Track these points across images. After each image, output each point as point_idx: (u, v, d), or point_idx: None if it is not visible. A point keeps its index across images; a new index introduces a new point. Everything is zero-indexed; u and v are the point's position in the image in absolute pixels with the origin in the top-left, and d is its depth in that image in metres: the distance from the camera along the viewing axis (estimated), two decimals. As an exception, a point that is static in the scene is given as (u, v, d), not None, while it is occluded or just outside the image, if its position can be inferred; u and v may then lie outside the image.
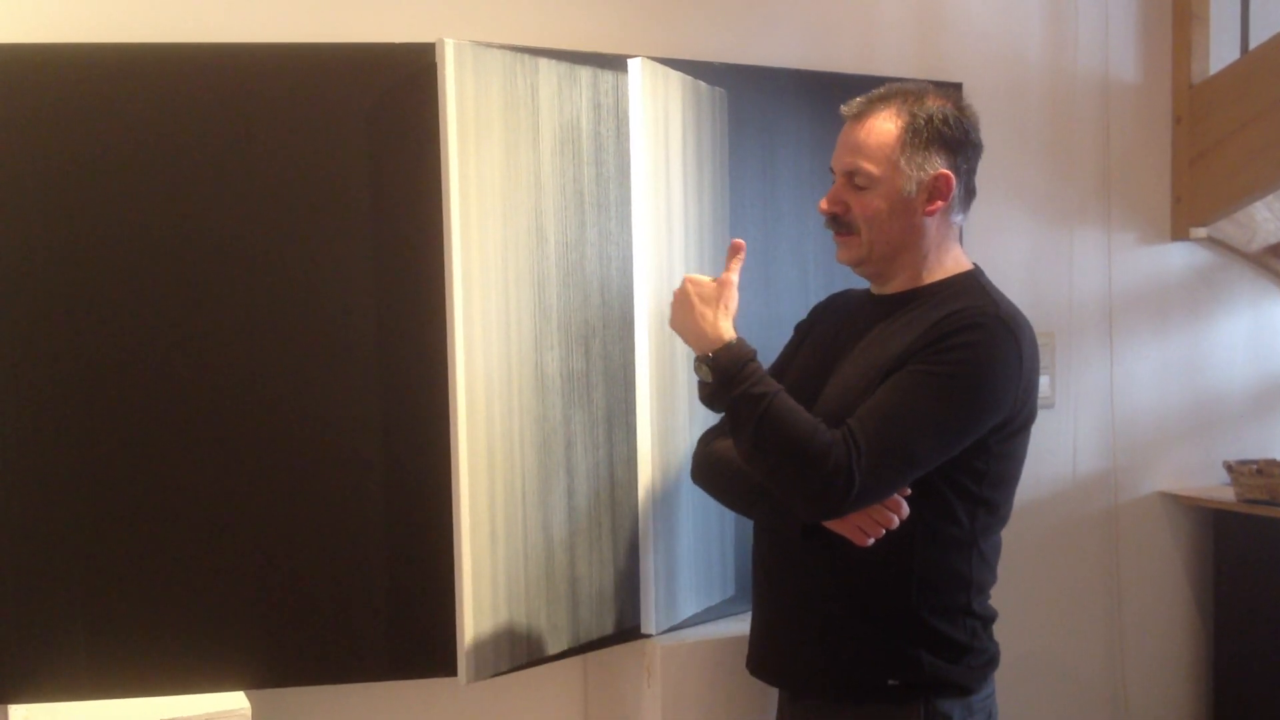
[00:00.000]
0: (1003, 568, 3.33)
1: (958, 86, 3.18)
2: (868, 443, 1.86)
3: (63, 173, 2.28)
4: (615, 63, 2.51)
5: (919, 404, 1.88)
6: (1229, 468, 3.52)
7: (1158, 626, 3.64)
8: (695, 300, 2.05)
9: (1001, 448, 1.98)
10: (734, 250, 2.10)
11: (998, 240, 3.35)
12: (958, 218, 2.07)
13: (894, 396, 1.90)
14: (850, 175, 2.02)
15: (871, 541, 1.93)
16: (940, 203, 2.01)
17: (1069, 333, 3.47)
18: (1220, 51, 3.55)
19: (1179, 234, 3.58)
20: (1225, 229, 3.57)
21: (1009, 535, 3.33)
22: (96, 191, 2.30)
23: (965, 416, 1.90)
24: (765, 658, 2.15)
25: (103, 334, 2.31)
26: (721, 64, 2.74)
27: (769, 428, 1.89)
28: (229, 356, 2.35)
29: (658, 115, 2.55)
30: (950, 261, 2.06)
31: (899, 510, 1.93)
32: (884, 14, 3.20)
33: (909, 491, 1.94)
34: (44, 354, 2.29)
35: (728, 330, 2.01)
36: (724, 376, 1.96)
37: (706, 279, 2.08)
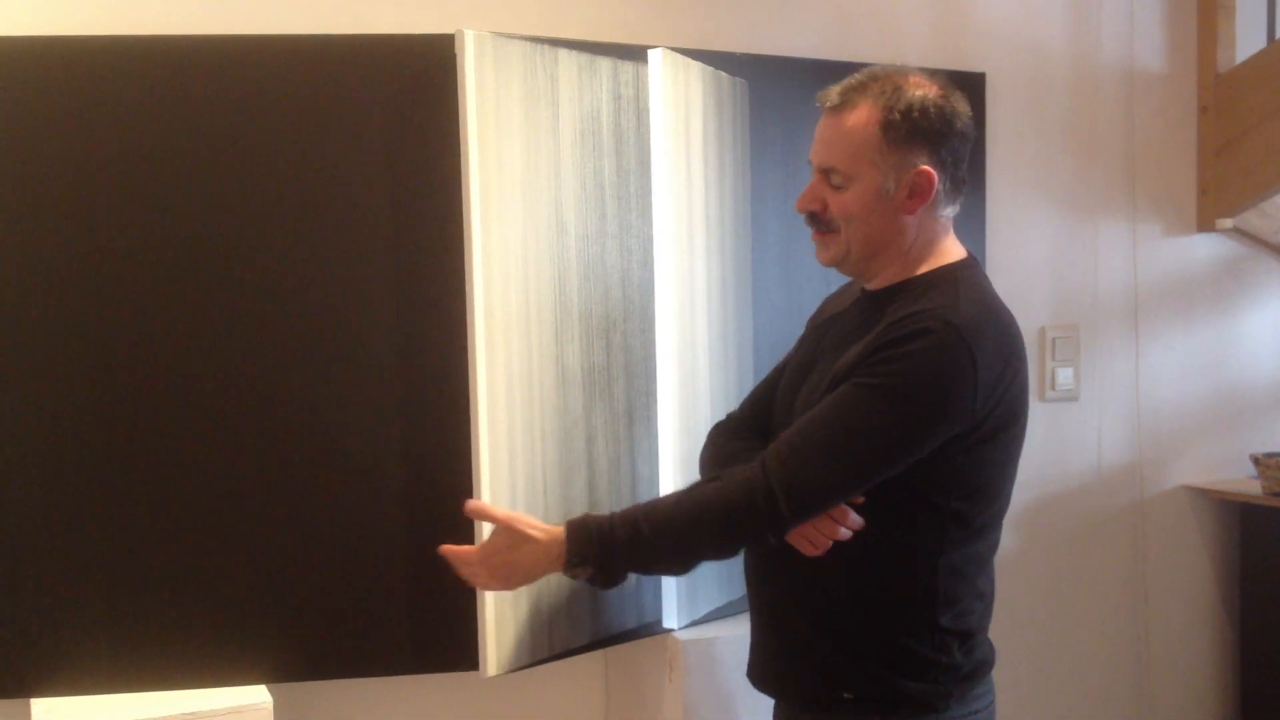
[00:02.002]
0: (1026, 561, 3.37)
1: (981, 76, 3.17)
2: (793, 458, 1.81)
3: (77, 167, 2.28)
4: (635, 53, 2.50)
5: (850, 418, 1.80)
6: (1255, 460, 3.49)
7: (1183, 620, 3.61)
8: (505, 556, 1.90)
9: (966, 458, 1.83)
10: (475, 512, 2.01)
11: (1022, 232, 3.33)
12: (946, 211, 1.92)
13: (826, 412, 1.82)
14: (826, 173, 1.91)
15: (821, 552, 1.87)
16: (922, 201, 1.87)
17: (1094, 325, 3.45)
18: (1247, 40, 3.51)
19: (1205, 225, 3.54)
20: (1252, 220, 3.54)
21: (1032, 529, 3.37)
22: (113, 186, 2.30)
23: (902, 428, 1.79)
24: (753, 665, 2.12)
25: (122, 327, 2.31)
26: (742, 54, 2.73)
27: (665, 534, 1.85)
28: (247, 351, 2.35)
29: (678, 106, 2.53)
30: (936, 255, 1.92)
31: (845, 520, 1.85)
32: (905, 3, 3.18)
33: (861, 500, 1.86)
34: (64, 350, 2.29)
35: (552, 532, 1.88)
36: (599, 551, 1.85)
37: (474, 547, 1.96)
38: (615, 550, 1.86)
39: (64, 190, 2.28)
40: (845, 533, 1.86)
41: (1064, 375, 3.39)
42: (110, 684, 2.33)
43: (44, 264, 2.28)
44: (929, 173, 1.86)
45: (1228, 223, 3.52)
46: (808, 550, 1.89)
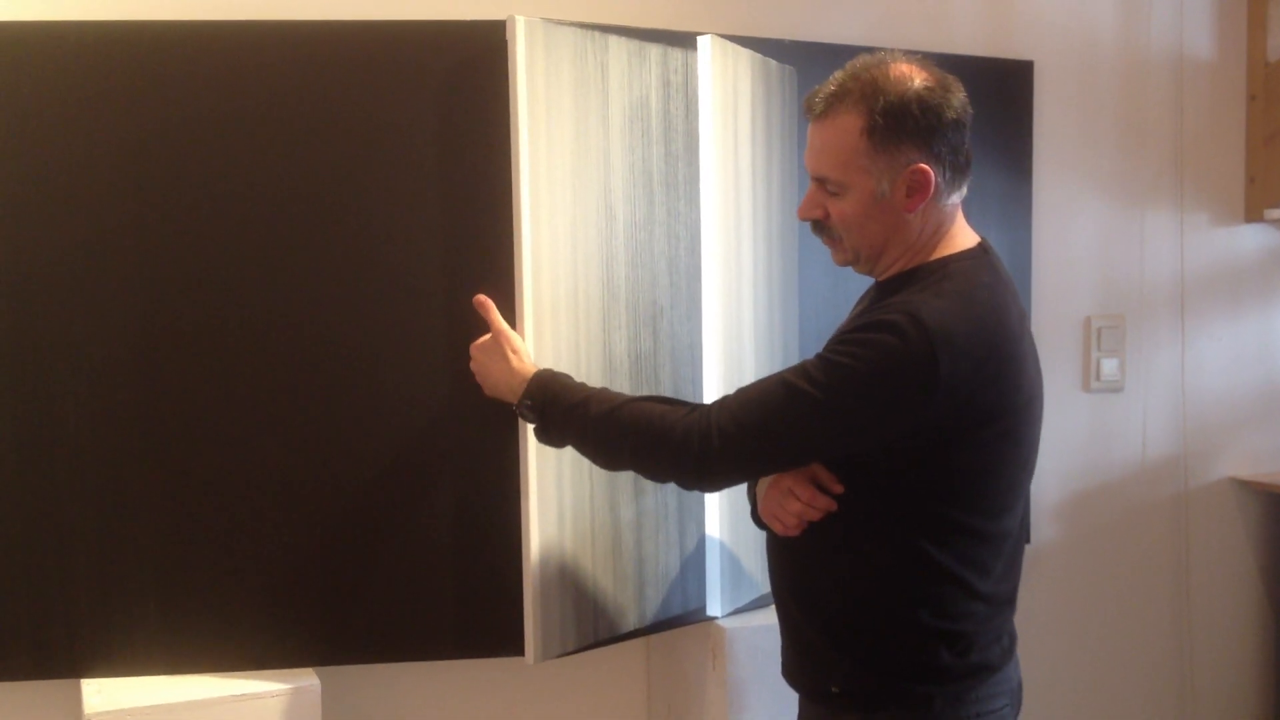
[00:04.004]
0: (1069, 552, 3.36)
1: (1029, 64, 3.15)
2: (740, 405, 1.86)
3: (140, 146, 2.29)
4: (685, 40, 2.49)
5: (802, 382, 1.79)
6: (1302, 453, 3.47)
7: (1227, 614, 3.59)
8: (483, 359, 2.24)
9: (932, 457, 1.80)
10: (481, 306, 2.26)
11: (1068, 221, 3.30)
12: (951, 200, 1.87)
13: (784, 373, 1.85)
14: (821, 181, 1.88)
15: (793, 532, 1.89)
16: (922, 198, 1.82)
17: (1139, 315, 3.42)
18: (1297, 28, 3.48)
19: (1252, 215, 3.51)
20: (1300, 210, 3.51)
21: (1075, 520, 3.36)
22: (167, 169, 2.30)
23: (845, 406, 1.78)
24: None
25: (168, 304, 2.32)
26: (791, 41, 2.72)
27: (602, 427, 1.98)
28: (297, 333, 2.36)
29: (727, 93, 2.53)
30: (943, 245, 1.88)
31: (815, 500, 1.85)
32: (954, -10, 3.17)
33: (840, 489, 1.85)
34: (114, 326, 2.30)
35: (523, 369, 2.17)
36: (544, 410, 2.09)
37: (485, 338, 2.25)
38: (556, 416, 2.07)
39: (123, 165, 2.30)
40: (802, 506, 1.87)
41: (1109, 366, 3.37)
42: (160, 666, 2.35)
43: (101, 237, 2.30)
44: (924, 170, 1.81)
45: (1276, 213, 3.49)
46: (778, 529, 1.92)
